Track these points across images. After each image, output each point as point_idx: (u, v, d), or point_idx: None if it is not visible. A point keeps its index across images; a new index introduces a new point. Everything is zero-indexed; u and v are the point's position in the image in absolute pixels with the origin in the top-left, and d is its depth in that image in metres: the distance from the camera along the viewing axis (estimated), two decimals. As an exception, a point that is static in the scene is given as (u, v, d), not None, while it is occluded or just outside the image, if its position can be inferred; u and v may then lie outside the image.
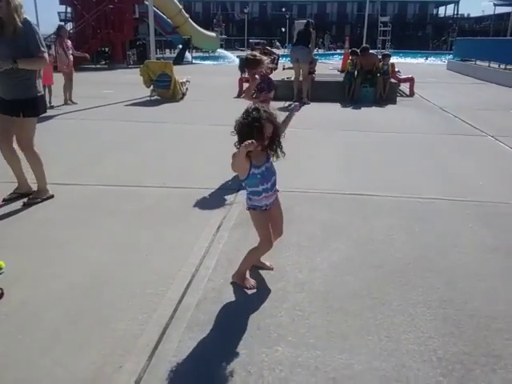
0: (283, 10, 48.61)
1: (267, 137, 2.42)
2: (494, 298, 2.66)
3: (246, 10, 46.30)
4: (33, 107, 3.89)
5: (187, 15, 25.98)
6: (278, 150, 2.56)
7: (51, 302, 2.55)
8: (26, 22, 3.69)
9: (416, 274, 2.91)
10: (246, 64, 4.75)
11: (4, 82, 3.74)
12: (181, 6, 25.54)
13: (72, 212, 3.87)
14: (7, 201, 3.99)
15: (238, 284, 2.74)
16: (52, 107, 8.88)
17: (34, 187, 4.13)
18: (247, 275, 2.77)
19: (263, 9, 59.98)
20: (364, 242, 3.37)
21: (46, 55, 3.79)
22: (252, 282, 2.75)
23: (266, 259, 2.96)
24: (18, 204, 3.96)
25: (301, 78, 10.48)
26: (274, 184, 2.62)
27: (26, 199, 3.99)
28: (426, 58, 32.93)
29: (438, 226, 3.69)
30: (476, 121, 8.12)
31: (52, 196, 4.12)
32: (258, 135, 2.34)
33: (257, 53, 4.87)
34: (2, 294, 2.59)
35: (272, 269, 2.93)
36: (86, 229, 3.52)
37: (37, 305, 2.52)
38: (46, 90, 8.84)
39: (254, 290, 2.70)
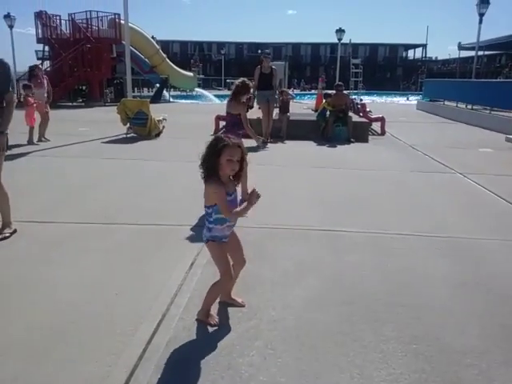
0: (259, 51, 50.02)
1: (236, 161, 2.45)
2: (464, 333, 2.69)
3: (222, 51, 47.54)
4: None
5: (164, 55, 26.44)
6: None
7: (17, 342, 2.46)
8: (1, 62, 3.74)
9: (387, 309, 2.93)
10: (241, 88, 5.10)
11: None
12: (158, 47, 26.02)
13: (40, 250, 3.78)
14: None
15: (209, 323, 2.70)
16: (32, 143, 9.07)
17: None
18: (212, 312, 2.75)
19: (239, 50, 61.69)
20: (336, 278, 3.38)
21: (14, 96, 3.87)
22: (215, 318, 2.72)
23: (238, 296, 2.94)
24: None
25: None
26: None
27: None
28: (407, 98, 34.12)
29: (409, 261, 3.74)
30: (445, 158, 8.39)
31: (15, 231, 4.05)
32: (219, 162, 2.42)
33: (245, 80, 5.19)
34: None
35: (244, 306, 2.90)
36: (54, 267, 3.44)
37: (3, 344, 2.44)
38: (28, 130, 8.94)
39: (223, 326, 2.66)
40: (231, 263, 2.67)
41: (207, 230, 2.62)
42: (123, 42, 17.32)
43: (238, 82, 5.23)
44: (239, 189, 2.75)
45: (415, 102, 25.13)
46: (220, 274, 2.62)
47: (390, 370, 2.31)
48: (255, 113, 11.29)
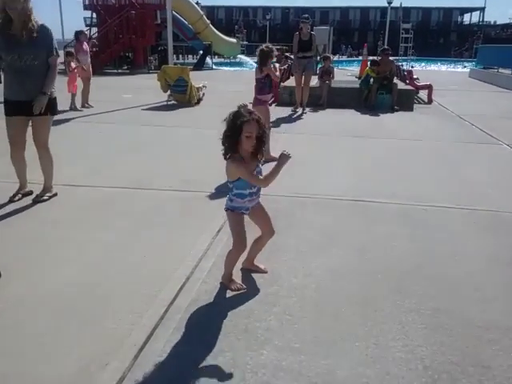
0: (305, 16, 48.68)
1: (255, 137, 2.43)
2: (490, 308, 2.61)
3: (267, 17, 46.53)
4: (53, 107, 4.08)
5: (208, 21, 26.22)
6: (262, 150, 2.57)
7: (46, 299, 2.60)
8: (43, 27, 3.85)
9: (412, 281, 2.88)
10: (266, 54, 5.30)
11: (25, 82, 3.88)
12: (202, 13, 25.81)
13: (77, 213, 3.95)
14: (15, 201, 4.10)
15: (232, 288, 2.75)
16: (76, 109, 9.32)
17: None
18: (236, 278, 2.80)
19: (285, 15, 60.16)
20: (363, 249, 3.34)
21: (57, 60, 3.97)
22: (237, 284, 2.76)
23: (260, 262, 2.98)
24: (24, 203, 4.07)
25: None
26: (260, 189, 2.66)
27: (34, 197, 4.14)
28: (464, 66, 31.16)
29: (442, 234, 3.64)
30: (494, 129, 7.97)
31: (56, 194, 4.23)
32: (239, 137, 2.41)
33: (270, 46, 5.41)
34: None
35: (266, 272, 2.93)
36: (89, 229, 3.59)
37: (32, 301, 2.58)
38: (70, 96, 9.21)
39: (243, 291, 2.72)
40: (260, 234, 2.75)
41: (229, 199, 2.67)
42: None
43: (261, 47, 5.37)
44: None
45: (468, 69, 23.83)
46: (233, 240, 2.67)
47: (406, 342, 2.29)
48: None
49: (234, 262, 2.77)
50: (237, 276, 2.86)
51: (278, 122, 8.16)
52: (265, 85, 5.53)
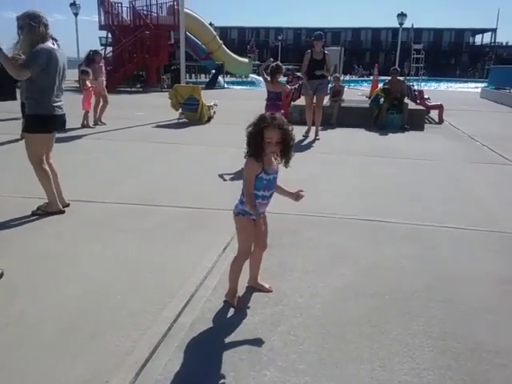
0: (318, 33, 49.17)
1: (276, 142, 2.44)
2: (500, 332, 2.55)
3: (279, 37, 47.08)
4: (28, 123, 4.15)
5: (221, 41, 26.61)
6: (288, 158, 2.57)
7: (49, 314, 2.60)
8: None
9: (420, 303, 2.83)
10: (276, 70, 6.76)
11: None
12: (215, 33, 26.23)
13: (83, 228, 3.96)
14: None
15: (235, 306, 2.73)
16: (88, 126, 9.46)
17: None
18: (240, 295, 2.79)
19: (297, 36, 60.83)
20: (371, 269, 3.30)
21: (25, 71, 3.82)
22: (241, 302, 2.74)
23: (265, 281, 2.95)
24: (31, 217, 4.12)
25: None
26: (271, 196, 2.65)
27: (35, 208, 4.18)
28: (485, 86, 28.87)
29: (452, 255, 3.58)
30: (505, 150, 7.89)
31: (62, 212, 4.24)
32: (261, 141, 2.42)
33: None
34: (2, 274, 2.88)
35: (271, 291, 2.90)
36: (94, 245, 3.59)
37: (35, 316, 2.57)
38: (83, 114, 9.37)
39: (248, 310, 2.69)
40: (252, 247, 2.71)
41: (240, 202, 2.65)
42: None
43: (272, 64, 6.86)
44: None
45: (479, 89, 23.79)
46: (238, 247, 2.68)
47: (413, 365, 2.23)
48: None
49: (238, 273, 2.73)
50: (241, 294, 2.84)
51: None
52: (273, 96, 6.88)
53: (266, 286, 2.93)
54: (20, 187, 4.84)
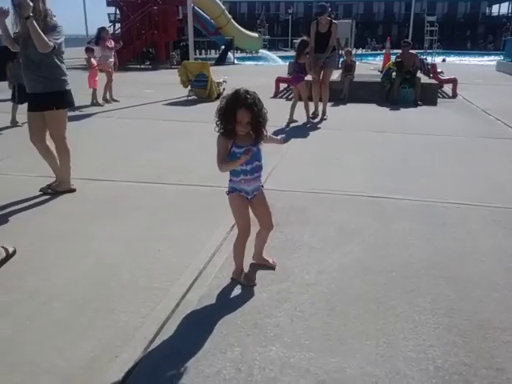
0: (329, 9, 48.13)
1: (246, 124, 2.41)
2: (507, 309, 2.54)
3: (290, 11, 46.19)
4: (63, 100, 4.10)
5: (230, 16, 26.18)
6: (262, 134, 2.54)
7: (61, 291, 2.65)
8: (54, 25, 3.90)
9: (428, 280, 2.83)
10: (302, 44, 7.66)
11: (31, 75, 3.94)
12: (223, 7, 25.78)
13: (94, 206, 4.00)
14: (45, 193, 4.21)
15: (243, 283, 2.75)
16: (97, 104, 9.43)
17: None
18: (246, 271, 2.82)
19: (308, 9, 59.48)
20: (378, 246, 3.30)
21: (51, 44, 3.81)
22: (249, 278, 2.77)
23: (271, 256, 2.97)
24: (41, 196, 4.17)
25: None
26: (256, 170, 2.60)
27: (44, 186, 4.23)
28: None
29: (460, 232, 3.56)
30: (519, 124, 7.76)
31: (73, 190, 4.29)
32: (233, 119, 2.39)
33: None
34: (15, 251, 2.98)
35: (275, 265, 2.93)
36: (104, 222, 3.64)
37: (47, 293, 2.63)
38: (91, 92, 9.34)
39: (255, 287, 2.71)
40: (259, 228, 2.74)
41: (229, 180, 2.65)
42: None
43: (299, 40, 7.90)
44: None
45: (494, 62, 23.19)
46: (237, 227, 2.71)
47: (418, 341, 2.25)
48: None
49: (241, 252, 2.74)
50: (248, 271, 2.87)
51: (296, 116, 8.07)
52: (301, 67, 7.71)
53: (270, 260, 2.95)
54: (29, 166, 4.88)
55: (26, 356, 2.13)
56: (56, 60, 3.96)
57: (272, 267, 2.92)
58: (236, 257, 2.76)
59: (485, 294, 2.69)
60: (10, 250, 2.98)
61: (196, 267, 2.93)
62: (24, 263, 2.96)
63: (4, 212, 3.80)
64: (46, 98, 3.96)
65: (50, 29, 3.84)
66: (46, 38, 3.74)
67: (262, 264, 2.94)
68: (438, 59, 24.45)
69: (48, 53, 3.82)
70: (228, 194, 2.67)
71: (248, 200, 2.66)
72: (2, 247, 2.95)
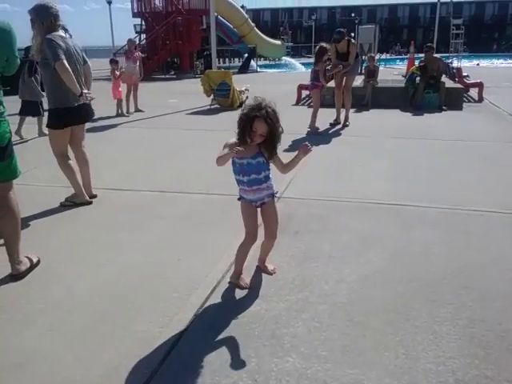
0: (352, 15, 48.04)
1: (259, 135, 2.48)
2: (532, 320, 2.47)
3: (313, 17, 46.25)
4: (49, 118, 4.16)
5: (253, 24, 26.42)
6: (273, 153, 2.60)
7: (82, 301, 2.71)
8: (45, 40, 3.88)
9: (449, 290, 2.77)
10: (321, 51, 7.44)
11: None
12: (247, 16, 26.03)
13: (116, 216, 4.08)
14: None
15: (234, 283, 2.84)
16: (122, 114, 9.64)
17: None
18: (244, 276, 2.88)
19: (332, 15, 59.58)
20: (399, 255, 3.25)
21: (60, 63, 3.79)
22: (246, 281, 2.83)
23: (292, 267, 2.99)
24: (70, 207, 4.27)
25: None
26: (254, 183, 2.64)
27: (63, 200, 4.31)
28: None
29: (484, 240, 3.48)
30: (548, 128, 7.55)
31: (90, 202, 4.34)
32: (249, 128, 2.46)
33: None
34: (39, 261, 3.10)
35: (274, 273, 2.97)
36: (126, 232, 3.70)
37: (69, 303, 2.69)
38: (116, 103, 9.55)
39: (273, 297, 2.71)
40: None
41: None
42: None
43: (318, 47, 7.60)
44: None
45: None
46: (245, 231, 2.75)
47: (438, 353, 2.21)
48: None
49: (243, 256, 2.80)
50: (259, 279, 2.92)
51: (318, 122, 8.05)
52: (317, 74, 7.56)
53: (271, 267, 3.01)
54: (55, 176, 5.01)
55: (47, 365, 2.18)
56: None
57: (270, 274, 2.97)
58: (237, 260, 2.83)
59: (508, 305, 2.62)
60: (35, 260, 3.07)
61: (215, 277, 2.95)
62: (47, 272, 3.04)
63: (30, 222, 3.91)
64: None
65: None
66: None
67: (262, 269, 3.02)
68: (467, 63, 23.97)
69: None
70: (238, 200, 2.78)
71: (256, 207, 2.74)
72: (27, 257, 3.03)
